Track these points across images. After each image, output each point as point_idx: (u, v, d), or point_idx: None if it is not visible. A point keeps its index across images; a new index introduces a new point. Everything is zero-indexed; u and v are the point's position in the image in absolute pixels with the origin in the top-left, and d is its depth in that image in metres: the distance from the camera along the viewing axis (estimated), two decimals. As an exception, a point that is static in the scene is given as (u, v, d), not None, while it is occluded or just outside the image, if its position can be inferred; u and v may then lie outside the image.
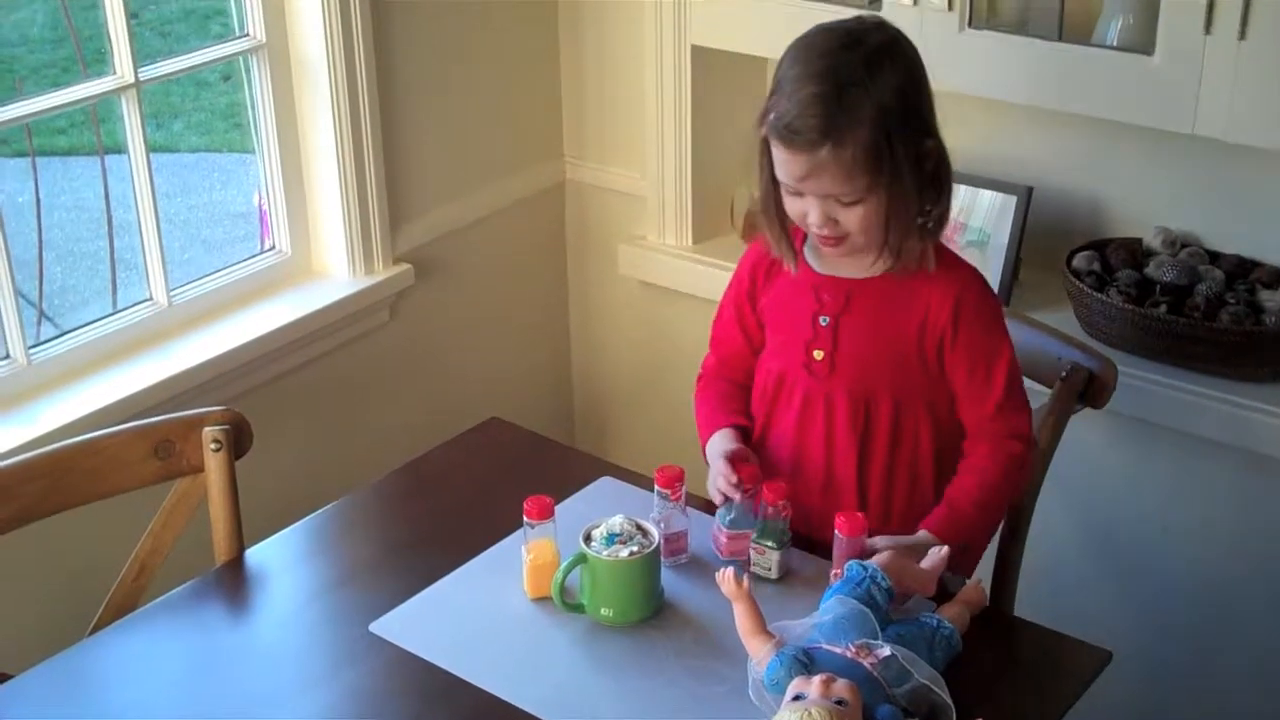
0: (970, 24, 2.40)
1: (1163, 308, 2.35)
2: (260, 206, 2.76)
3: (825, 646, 1.55)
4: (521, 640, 1.74)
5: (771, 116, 1.75)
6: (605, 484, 2.03)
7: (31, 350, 2.38)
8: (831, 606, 1.61)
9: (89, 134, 4.25)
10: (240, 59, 2.60)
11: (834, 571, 1.74)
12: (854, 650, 1.54)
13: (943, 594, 1.74)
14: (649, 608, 1.76)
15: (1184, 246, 2.49)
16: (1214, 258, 2.47)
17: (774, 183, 1.81)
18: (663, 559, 1.80)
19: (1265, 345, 2.31)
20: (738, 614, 1.61)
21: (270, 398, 2.61)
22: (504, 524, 1.90)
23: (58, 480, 1.90)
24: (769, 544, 1.80)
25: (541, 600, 1.78)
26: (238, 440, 1.95)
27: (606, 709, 1.63)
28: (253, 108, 2.65)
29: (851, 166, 1.72)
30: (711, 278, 2.79)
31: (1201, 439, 2.36)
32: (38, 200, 3.60)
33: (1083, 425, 2.17)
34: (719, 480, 1.85)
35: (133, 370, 2.43)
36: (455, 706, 1.65)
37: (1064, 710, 1.65)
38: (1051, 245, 2.57)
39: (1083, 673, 1.69)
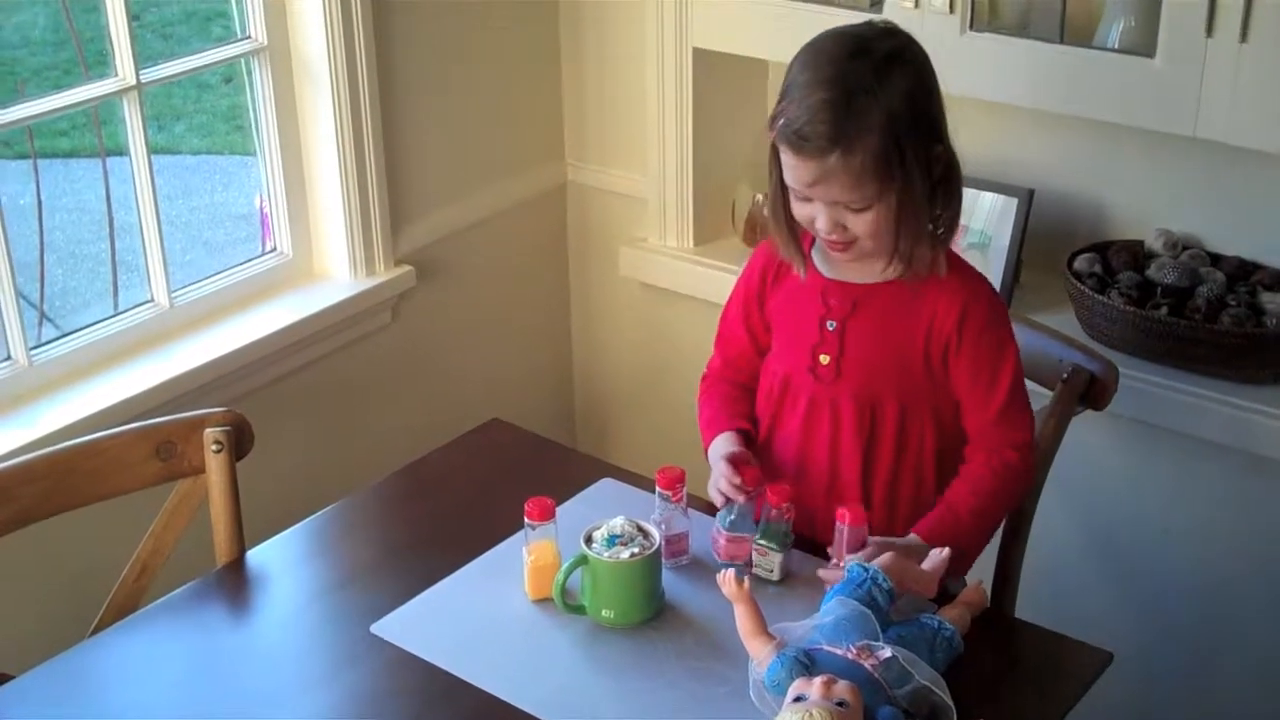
0: (971, 26, 2.40)
1: (1164, 310, 2.35)
2: (261, 208, 2.76)
3: (826, 648, 1.55)
4: (522, 641, 1.74)
5: (781, 122, 1.74)
6: (606, 485, 2.03)
7: (33, 351, 2.38)
8: (832, 608, 1.61)
9: (90, 136, 4.24)
10: (241, 61, 2.60)
11: (832, 561, 1.74)
12: (855, 651, 1.54)
13: (943, 595, 1.74)
14: (650, 609, 1.76)
15: (1185, 249, 2.48)
16: (1215, 260, 2.47)
17: (783, 187, 1.80)
18: (664, 560, 1.80)
19: (1266, 347, 2.31)
20: (739, 615, 1.61)
21: (271, 399, 2.61)
22: (505, 525, 1.90)
23: (59, 481, 1.90)
24: (771, 546, 1.80)
25: (542, 601, 1.78)
26: (239, 441, 1.95)
27: (607, 710, 1.63)
28: (254, 110, 2.65)
29: (860, 173, 1.71)
30: (712, 279, 2.79)
31: (1202, 441, 2.36)
32: (39, 202, 3.60)
33: (1084, 427, 2.17)
34: (720, 481, 1.84)
35: (134, 372, 2.43)
36: (456, 707, 1.65)
37: (1065, 711, 1.65)
38: (1053, 247, 2.57)
39: (1083, 674, 1.69)
